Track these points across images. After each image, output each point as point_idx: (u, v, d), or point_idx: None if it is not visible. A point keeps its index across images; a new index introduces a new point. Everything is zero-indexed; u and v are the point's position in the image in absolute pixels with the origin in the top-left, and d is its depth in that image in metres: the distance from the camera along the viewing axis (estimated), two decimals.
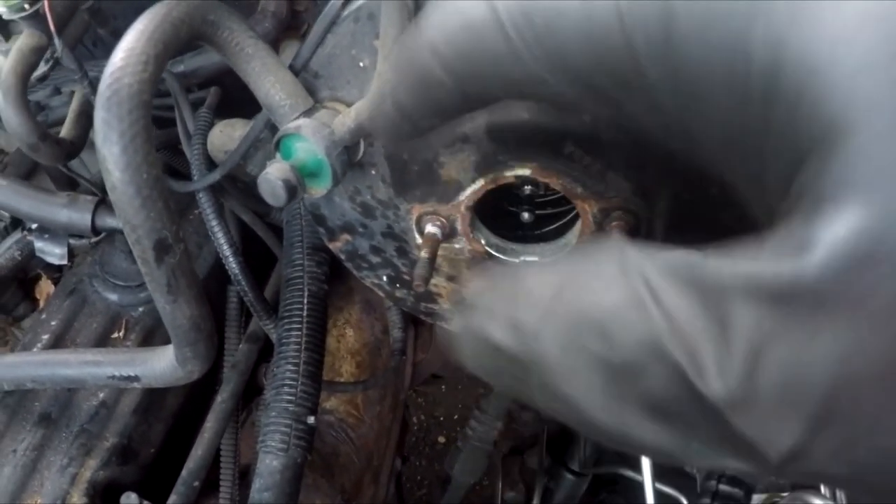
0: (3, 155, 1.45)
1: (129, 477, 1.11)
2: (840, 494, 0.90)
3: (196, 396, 1.20)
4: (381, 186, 0.88)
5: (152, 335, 1.21)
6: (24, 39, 1.02)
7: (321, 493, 1.18)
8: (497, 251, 0.92)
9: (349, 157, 0.80)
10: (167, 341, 0.91)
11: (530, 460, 2.11)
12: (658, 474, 1.24)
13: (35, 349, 1.17)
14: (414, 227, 0.91)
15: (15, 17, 1.01)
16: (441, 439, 3.01)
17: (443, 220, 0.89)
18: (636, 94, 0.33)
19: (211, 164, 1.01)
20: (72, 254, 1.25)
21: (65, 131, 1.11)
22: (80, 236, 1.21)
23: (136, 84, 0.69)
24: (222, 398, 1.09)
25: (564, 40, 0.33)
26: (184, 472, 1.04)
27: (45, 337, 1.19)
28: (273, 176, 0.75)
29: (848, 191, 0.26)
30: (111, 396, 1.13)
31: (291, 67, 0.83)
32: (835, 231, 0.26)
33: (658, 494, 0.99)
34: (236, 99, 1.02)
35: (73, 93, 1.21)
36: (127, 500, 0.99)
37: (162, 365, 0.94)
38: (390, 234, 0.93)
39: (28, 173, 1.38)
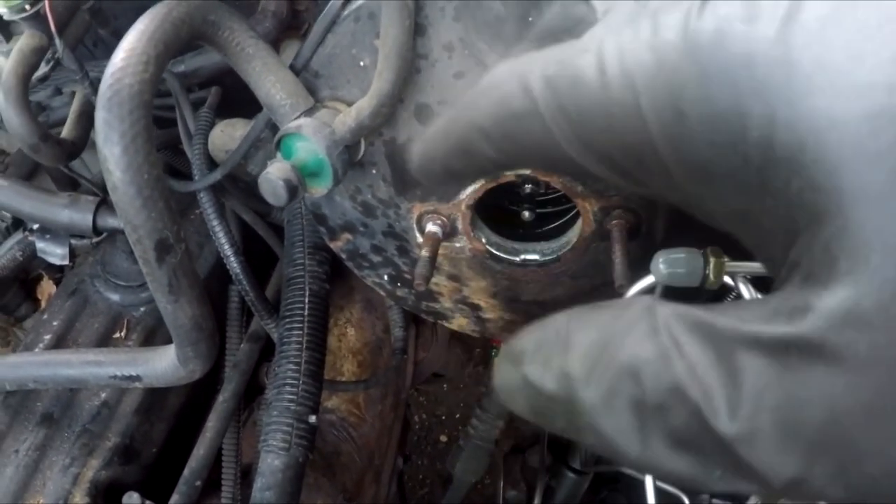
0: (4, 156, 1.45)
1: (131, 477, 1.11)
2: None
3: (198, 396, 1.20)
4: (382, 185, 0.88)
5: (154, 335, 1.21)
6: (25, 40, 1.02)
7: (323, 493, 1.18)
8: (498, 249, 0.92)
9: (350, 156, 0.81)
10: (168, 341, 0.91)
11: (532, 459, 2.11)
12: None
13: (37, 349, 1.17)
14: (415, 225, 0.91)
15: (16, 17, 1.01)
16: (443, 438, 3.01)
17: (443, 218, 0.89)
18: (657, 175, 0.37)
19: (212, 164, 1.01)
20: (73, 254, 1.25)
21: (66, 132, 1.11)
22: (82, 236, 1.21)
23: (137, 84, 0.70)
24: (224, 398, 1.09)
25: (593, 130, 0.38)
26: (186, 472, 1.04)
27: (47, 337, 1.19)
28: (274, 175, 0.75)
29: (836, 266, 0.31)
30: (113, 396, 1.13)
31: (292, 67, 0.83)
32: (826, 301, 0.31)
33: (659, 492, 1.00)
34: (237, 99, 1.02)
35: (73, 93, 1.21)
36: (129, 500, 0.99)
37: (163, 365, 0.94)
38: (391, 233, 0.93)
39: (29, 174, 1.38)
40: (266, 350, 1.17)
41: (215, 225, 1.02)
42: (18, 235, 1.28)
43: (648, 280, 0.81)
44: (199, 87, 1.15)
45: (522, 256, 0.92)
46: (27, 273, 1.41)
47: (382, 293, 1.04)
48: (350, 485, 1.25)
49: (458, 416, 3.02)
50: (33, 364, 1.06)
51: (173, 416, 1.18)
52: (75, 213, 1.12)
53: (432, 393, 3.06)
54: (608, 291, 0.84)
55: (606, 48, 0.36)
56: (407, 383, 1.54)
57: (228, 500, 1.07)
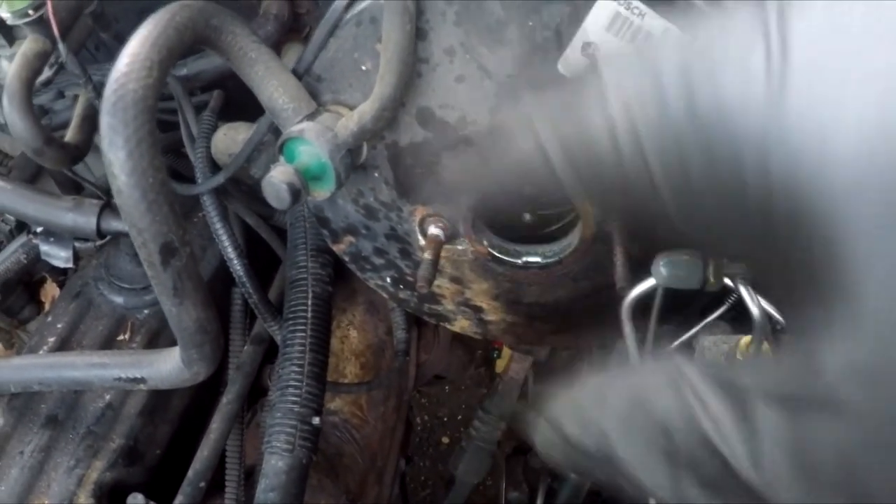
0: (7, 159, 1.46)
1: (135, 478, 1.11)
2: None
3: (201, 398, 1.21)
4: (385, 188, 0.89)
5: (157, 337, 1.21)
6: (29, 44, 1.02)
7: (326, 494, 1.18)
8: (499, 252, 0.93)
9: (352, 159, 0.81)
10: (172, 343, 0.92)
11: (534, 460, 2.11)
12: None
13: (41, 352, 1.18)
14: (417, 228, 0.91)
15: (19, 22, 1.01)
16: (445, 440, 3.01)
17: (445, 221, 0.89)
18: (669, 229, 0.41)
19: (214, 168, 1.02)
20: (77, 257, 1.26)
21: (69, 136, 1.12)
22: (85, 239, 1.22)
23: (141, 89, 0.70)
24: (227, 399, 1.10)
25: (608, 191, 0.41)
26: (190, 473, 1.04)
27: (51, 339, 1.20)
28: (277, 179, 0.76)
29: (844, 331, 0.34)
30: (117, 398, 1.13)
31: (294, 71, 0.83)
32: (826, 358, 0.34)
33: None
34: (239, 102, 1.03)
35: (76, 97, 1.21)
36: (133, 501, 0.99)
37: (168, 367, 0.94)
38: (394, 235, 0.94)
39: (33, 177, 1.39)
40: (269, 352, 1.18)
41: (218, 228, 1.02)
42: (22, 238, 1.28)
43: (649, 282, 0.81)
44: (201, 91, 1.16)
45: (524, 259, 0.93)
46: (31, 276, 1.42)
47: (385, 295, 1.05)
48: (353, 486, 1.25)
49: (459, 417, 3.02)
50: (38, 366, 1.06)
51: (177, 417, 1.19)
52: (79, 217, 1.13)
53: (434, 395, 3.06)
54: (609, 293, 0.85)
55: (616, 116, 0.38)
56: (409, 385, 1.55)
57: (232, 501, 1.07)
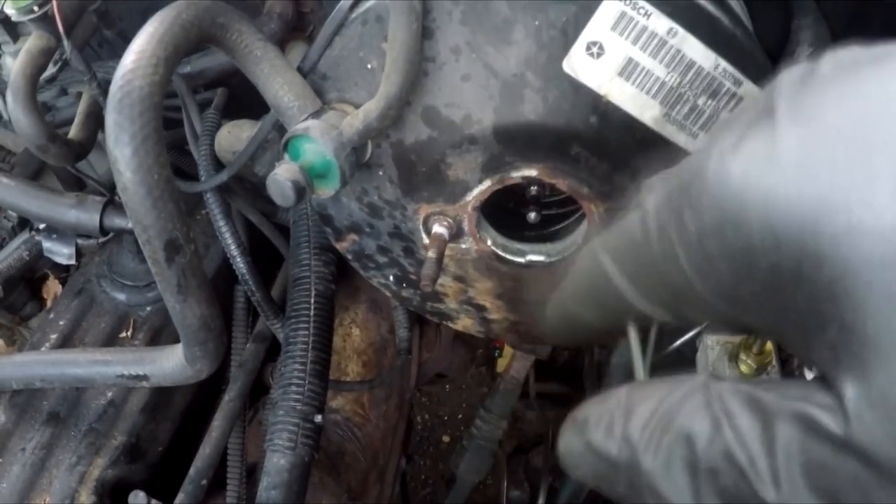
0: (10, 155, 1.46)
1: (137, 475, 1.11)
2: None
3: (203, 395, 1.21)
4: (389, 187, 0.89)
5: (160, 335, 1.22)
6: (33, 41, 1.02)
7: (328, 492, 1.18)
8: (503, 251, 0.93)
9: (357, 158, 0.81)
10: (175, 340, 0.92)
11: (535, 459, 2.12)
12: None
13: (43, 348, 1.18)
14: (421, 227, 0.91)
15: (24, 18, 1.01)
16: (445, 438, 3.01)
17: (450, 220, 0.89)
18: (700, 306, 0.42)
19: (218, 165, 1.02)
20: (80, 254, 1.26)
21: (73, 132, 1.12)
22: (88, 236, 1.22)
23: (147, 87, 0.70)
24: (229, 397, 1.10)
25: (648, 280, 0.44)
26: (191, 471, 1.04)
27: (54, 336, 1.20)
28: (282, 177, 0.76)
29: (839, 368, 0.34)
30: (119, 395, 1.13)
31: (300, 69, 0.83)
32: (848, 402, 0.34)
33: None
34: (243, 100, 1.03)
35: (79, 94, 1.21)
36: (135, 499, 0.99)
37: (171, 364, 0.94)
38: (397, 234, 0.94)
39: (35, 173, 1.39)
40: (272, 350, 1.18)
41: (221, 225, 1.03)
42: (25, 235, 1.28)
43: None
44: (206, 88, 1.16)
45: (528, 258, 0.93)
46: (33, 272, 1.42)
47: (388, 294, 1.05)
48: (355, 484, 1.25)
49: (460, 416, 3.02)
50: (40, 363, 1.06)
51: (179, 415, 1.19)
52: (82, 213, 1.13)
53: (435, 393, 3.06)
54: None
55: (647, 206, 0.42)
56: (411, 383, 1.55)
57: (234, 499, 1.08)
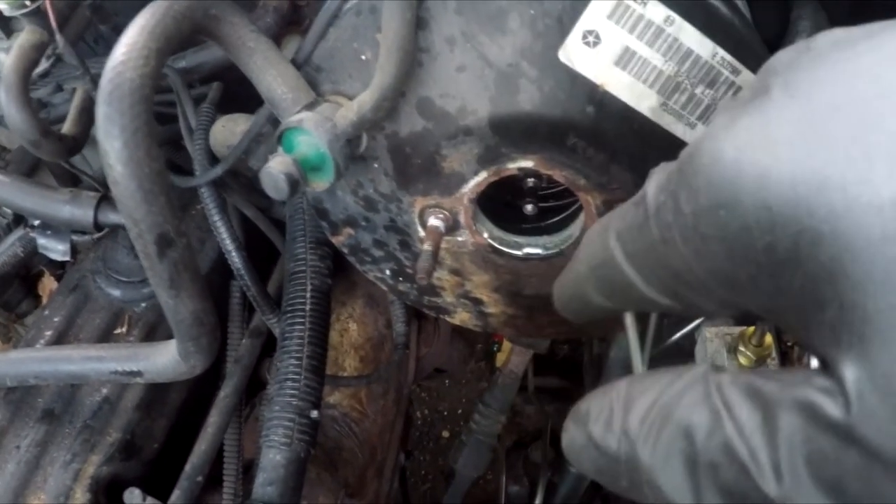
0: (5, 152, 1.45)
1: (132, 472, 1.10)
2: None
3: (199, 391, 1.20)
4: (384, 180, 0.88)
5: (155, 331, 1.21)
6: (26, 36, 1.01)
7: (324, 488, 1.17)
8: (500, 244, 0.92)
9: (351, 150, 0.80)
10: (170, 337, 0.91)
11: (534, 454, 2.12)
12: None
13: (38, 345, 1.17)
14: (417, 220, 0.91)
15: (16, 13, 1.01)
16: (445, 434, 3.01)
17: (446, 212, 0.89)
18: (702, 292, 0.41)
19: (213, 160, 1.01)
20: (74, 250, 1.25)
21: (67, 127, 1.11)
22: (83, 232, 1.21)
23: (138, 78, 0.69)
24: (225, 393, 1.09)
25: (651, 265, 0.43)
26: (187, 468, 1.03)
27: (48, 333, 1.19)
28: (275, 169, 0.75)
29: (840, 351, 0.33)
30: (114, 392, 1.13)
31: (293, 61, 0.83)
32: (849, 385, 0.33)
33: None
34: (238, 94, 1.02)
35: (75, 90, 1.20)
36: (130, 496, 0.99)
37: (164, 360, 0.94)
38: (393, 227, 0.93)
39: (30, 170, 1.38)
40: (268, 345, 1.17)
41: (217, 220, 1.02)
42: (20, 232, 1.27)
43: None
44: (201, 83, 1.15)
45: (525, 250, 0.92)
46: (28, 269, 1.41)
47: (384, 288, 1.04)
48: (352, 480, 1.25)
49: (460, 411, 3.02)
50: (34, 360, 1.06)
51: (175, 411, 1.18)
52: (76, 209, 1.12)
53: (434, 388, 3.06)
54: None
55: (647, 189, 0.42)
56: (409, 378, 1.55)
57: (230, 495, 1.07)
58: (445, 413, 3.05)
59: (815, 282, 0.34)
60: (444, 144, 0.82)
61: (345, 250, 1.00)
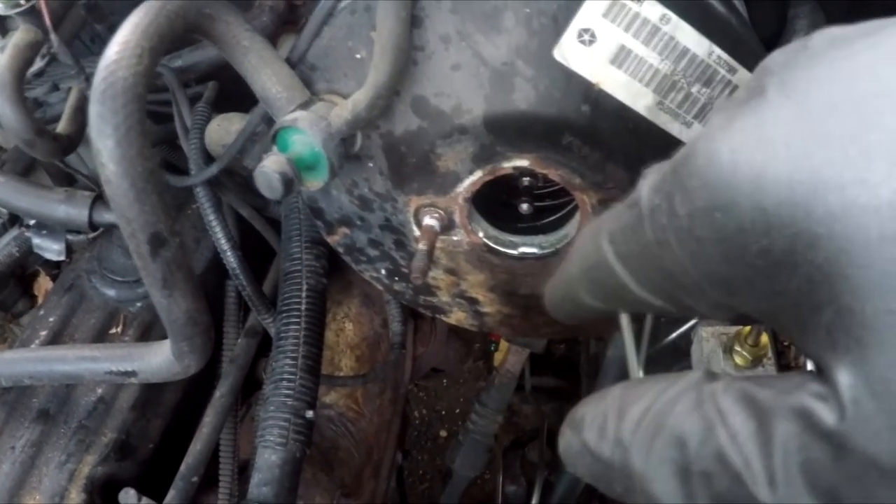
0: (1, 152, 1.45)
1: (127, 473, 1.10)
2: None
3: (194, 392, 1.20)
4: (379, 179, 0.88)
5: (150, 330, 1.21)
6: (20, 35, 1.01)
7: (321, 488, 1.17)
8: (495, 243, 0.92)
9: (346, 149, 0.80)
10: (165, 337, 0.91)
11: (531, 454, 2.11)
12: None
13: (33, 345, 1.17)
14: (412, 219, 0.90)
15: (10, 12, 1.00)
16: (442, 433, 3.01)
17: (441, 212, 0.88)
18: (697, 295, 0.41)
19: (208, 159, 1.01)
20: (70, 250, 1.25)
21: (61, 127, 1.11)
22: (78, 232, 1.21)
23: (131, 77, 0.69)
24: (221, 393, 1.09)
25: (646, 267, 0.43)
26: (182, 468, 1.03)
27: (43, 333, 1.19)
28: (269, 169, 0.75)
29: (836, 354, 0.33)
30: (109, 392, 1.12)
31: (288, 60, 0.82)
32: (844, 390, 0.32)
33: None
34: (234, 93, 1.02)
35: (70, 89, 1.20)
36: (125, 497, 0.98)
37: (158, 360, 0.93)
38: (388, 226, 0.93)
39: (26, 170, 1.38)
40: (263, 345, 1.17)
41: (212, 220, 1.02)
42: (15, 231, 1.27)
43: None
44: (196, 83, 1.15)
45: (520, 250, 0.92)
46: (24, 269, 1.41)
47: (380, 287, 1.04)
48: (348, 480, 1.25)
49: (457, 411, 3.02)
50: (29, 360, 1.05)
51: (170, 411, 1.18)
52: (71, 209, 1.12)
53: (432, 388, 3.06)
54: None
55: (642, 190, 0.41)
56: (406, 378, 1.54)
57: (225, 495, 1.07)
58: (443, 412, 3.05)
59: (811, 284, 0.33)
60: (438, 143, 0.82)
61: (340, 250, 0.99)
